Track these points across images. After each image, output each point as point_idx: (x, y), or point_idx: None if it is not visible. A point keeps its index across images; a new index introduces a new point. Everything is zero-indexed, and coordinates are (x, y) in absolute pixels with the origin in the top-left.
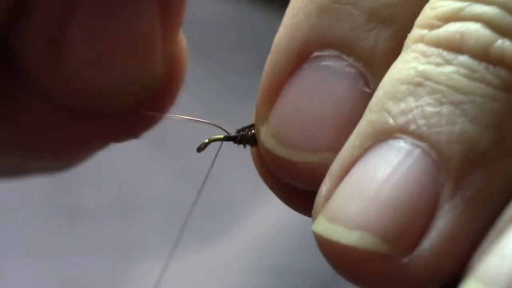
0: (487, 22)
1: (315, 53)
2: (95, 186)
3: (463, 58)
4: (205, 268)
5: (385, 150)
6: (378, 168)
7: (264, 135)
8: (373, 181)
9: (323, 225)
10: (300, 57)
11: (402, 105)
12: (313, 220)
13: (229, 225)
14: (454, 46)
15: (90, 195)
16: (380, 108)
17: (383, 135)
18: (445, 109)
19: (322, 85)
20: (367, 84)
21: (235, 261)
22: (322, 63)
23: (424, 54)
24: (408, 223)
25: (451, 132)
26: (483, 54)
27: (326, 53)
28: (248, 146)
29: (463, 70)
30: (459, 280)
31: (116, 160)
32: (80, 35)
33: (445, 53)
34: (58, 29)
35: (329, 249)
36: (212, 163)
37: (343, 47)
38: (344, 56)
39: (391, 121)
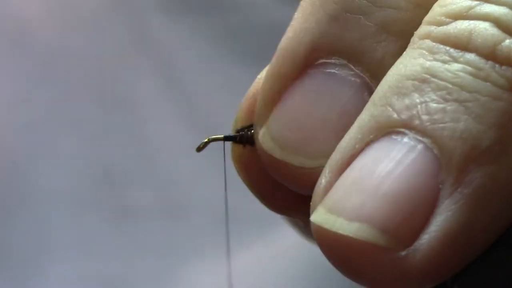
0: (496, 21)
1: (322, 60)
2: (145, 187)
3: (470, 56)
4: (256, 262)
5: (387, 144)
6: (380, 161)
7: (263, 137)
8: (375, 175)
9: (322, 216)
10: (307, 62)
11: (407, 101)
12: (311, 211)
13: (279, 220)
14: (462, 44)
15: (139, 196)
16: (384, 103)
17: (385, 130)
18: (449, 106)
19: (326, 92)
20: (371, 95)
21: (285, 254)
22: (328, 70)
23: (431, 51)
24: (408, 217)
25: (454, 128)
26: (490, 53)
27: (333, 60)
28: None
29: (469, 68)
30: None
31: (167, 161)
32: None
33: (452, 50)
34: None
35: (327, 240)
36: (224, 162)
37: (351, 56)
38: (351, 65)
39: (394, 115)
